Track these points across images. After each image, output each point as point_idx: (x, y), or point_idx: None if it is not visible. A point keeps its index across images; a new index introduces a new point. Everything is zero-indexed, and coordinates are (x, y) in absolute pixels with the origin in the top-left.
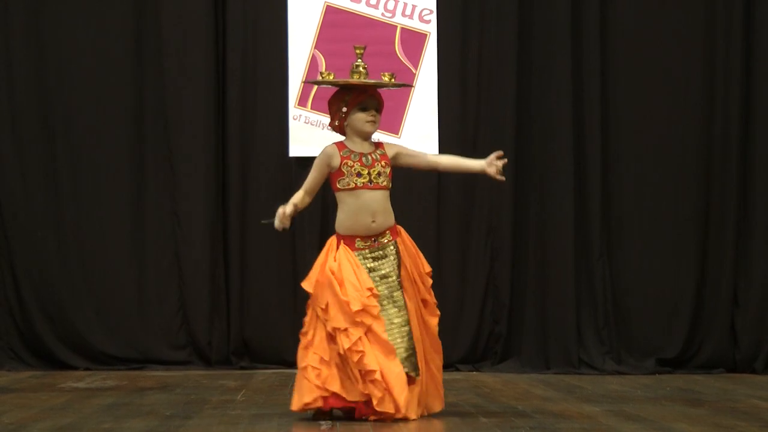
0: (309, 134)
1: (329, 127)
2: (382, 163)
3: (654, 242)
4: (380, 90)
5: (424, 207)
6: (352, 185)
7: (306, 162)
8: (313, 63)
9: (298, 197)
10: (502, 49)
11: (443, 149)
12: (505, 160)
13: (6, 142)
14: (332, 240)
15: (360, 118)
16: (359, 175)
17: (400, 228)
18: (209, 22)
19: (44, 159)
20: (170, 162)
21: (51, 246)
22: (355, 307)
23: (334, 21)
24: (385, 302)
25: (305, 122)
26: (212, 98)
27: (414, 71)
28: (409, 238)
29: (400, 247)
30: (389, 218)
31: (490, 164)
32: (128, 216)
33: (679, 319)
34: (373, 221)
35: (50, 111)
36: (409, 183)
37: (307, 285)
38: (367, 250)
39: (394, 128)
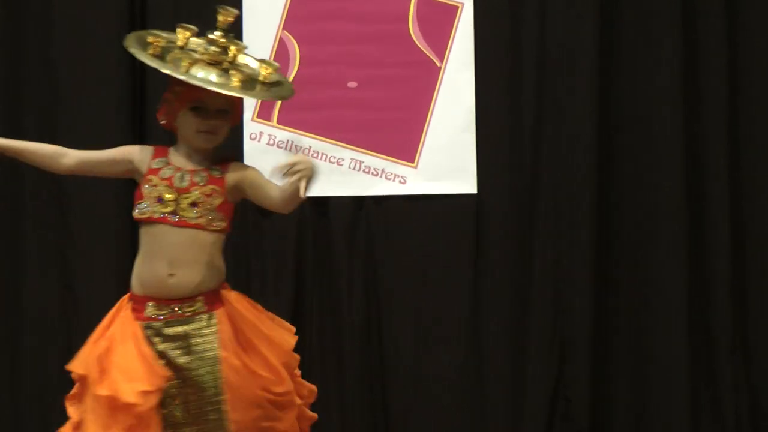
0: (275, 162)
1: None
2: (207, 189)
3: None
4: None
5: (453, 273)
6: (148, 215)
7: None
8: (281, 52)
9: (37, 146)
10: (575, 30)
11: (486, 187)
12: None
13: None
14: (123, 299)
15: (188, 124)
16: (160, 200)
17: (231, 294)
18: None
19: None
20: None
21: None
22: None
23: None
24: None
25: (269, 144)
26: (123, 110)
27: (438, 64)
28: (253, 306)
29: (223, 326)
30: (205, 276)
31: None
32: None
33: None
34: (171, 275)
35: None
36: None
37: (76, 366)
38: (161, 323)
39: (408, 153)
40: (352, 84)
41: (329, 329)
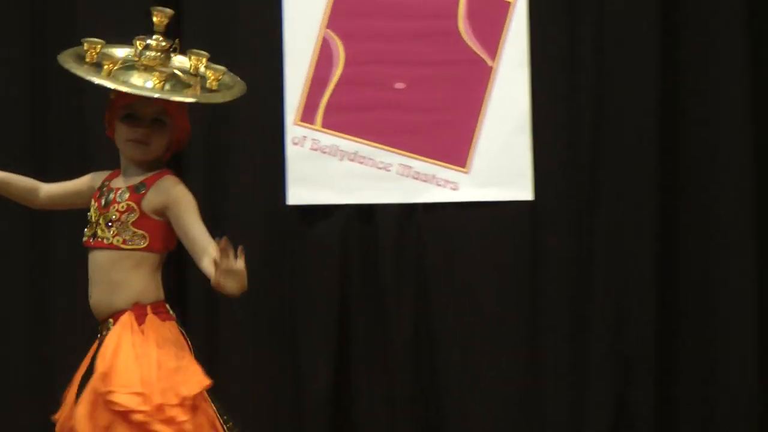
0: (320, 169)
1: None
2: (123, 206)
3: None
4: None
5: (508, 285)
6: (84, 239)
7: (315, 214)
8: (324, 52)
9: (20, 180)
10: (635, 27)
11: (543, 193)
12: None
13: None
14: None
15: (120, 133)
16: (89, 223)
17: (153, 320)
18: None
19: None
20: None
21: None
22: None
23: None
24: None
25: (313, 149)
26: None
27: (489, 62)
28: (169, 339)
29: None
30: (118, 297)
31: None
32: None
33: None
34: (90, 296)
35: None
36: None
37: None
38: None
39: (459, 157)
40: (399, 85)
41: (377, 344)
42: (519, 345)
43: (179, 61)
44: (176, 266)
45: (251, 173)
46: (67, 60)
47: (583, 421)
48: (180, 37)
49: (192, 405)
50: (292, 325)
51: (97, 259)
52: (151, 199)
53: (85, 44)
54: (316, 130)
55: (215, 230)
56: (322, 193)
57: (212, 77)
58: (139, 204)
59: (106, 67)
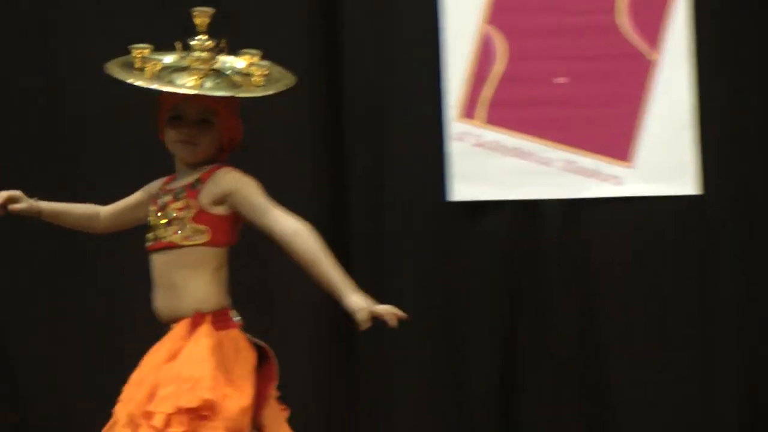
0: (482, 165)
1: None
2: (180, 203)
3: None
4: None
5: (676, 282)
6: (147, 245)
7: (479, 210)
8: (485, 48)
9: (79, 209)
10: None
11: (711, 188)
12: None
13: None
14: None
15: (169, 136)
16: (150, 228)
17: (205, 326)
18: None
19: None
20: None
21: None
22: None
23: None
24: None
25: (475, 145)
26: (314, 108)
27: (649, 57)
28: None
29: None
30: (180, 302)
31: (371, 314)
32: None
33: None
34: (155, 301)
35: None
36: None
37: None
38: None
39: (621, 151)
40: (560, 80)
41: (541, 342)
42: (686, 342)
43: (230, 61)
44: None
45: (414, 170)
46: (111, 67)
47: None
48: (340, 39)
49: (190, 418)
50: (456, 318)
51: (159, 262)
52: (209, 192)
53: (133, 50)
54: (478, 126)
55: (380, 226)
56: (485, 189)
57: (257, 73)
58: (196, 199)
59: (148, 69)
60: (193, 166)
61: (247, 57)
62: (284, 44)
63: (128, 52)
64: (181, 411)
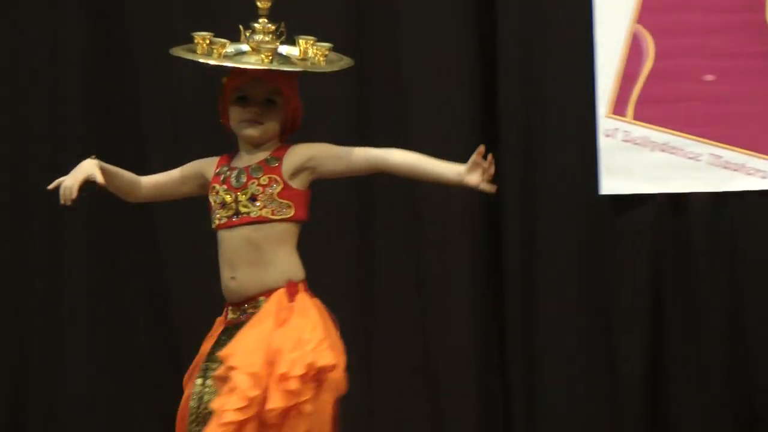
0: (631, 159)
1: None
2: (264, 179)
3: None
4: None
5: None
6: (216, 223)
7: (627, 203)
8: (634, 47)
9: (127, 175)
10: None
11: None
12: (490, 157)
13: None
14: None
15: (234, 116)
16: (223, 206)
17: (304, 298)
18: None
19: None
20: (412, 207)
21: None
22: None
23: None
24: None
25: (624, 140)
26: (470, 105)
27: None
28: (321, 308)
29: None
30: (269, 274)
31: (472, 168)
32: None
33: None
34: (233, 278)
35: None
36: None
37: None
38: (234, 326)
39: (759, 143)
40: (708, 77)
41: (688, 332)
42: None
43: (287, 49)
44: (495, 245)
45: (566, 164)
46: (178, 51)
47: None
48: (495, 36)
49: (317, 377)
50: (606, 308)
51: (238, 238)
52: (288, 166)
53: (196, 37)
54: (628, 122)
55: (532, 217)
56: (634, 183)
57: (319, 53)
58: (280, 174)
59: (216, 51)
60: (258, 146)
61: (302, 42)
62: (446, 44)
63: None
64: (310, 373)
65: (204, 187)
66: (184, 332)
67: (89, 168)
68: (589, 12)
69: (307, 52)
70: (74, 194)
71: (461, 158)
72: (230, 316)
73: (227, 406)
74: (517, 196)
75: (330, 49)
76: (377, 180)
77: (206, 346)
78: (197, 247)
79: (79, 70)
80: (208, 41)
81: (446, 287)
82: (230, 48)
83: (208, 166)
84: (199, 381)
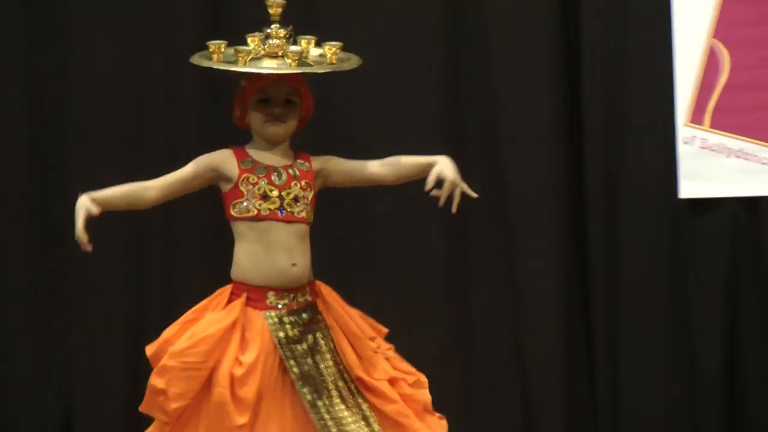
0: (708, 165)
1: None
2: (302, 183)
3: None
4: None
5: None
6: (254, 212)
7: (704, 206)
8: (711, 60)
9: (123, 190)
10: None
11: None
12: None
13: None
14: (224, 294)
15: (257, 116)
16: (265, 197)
17: (323, 286)
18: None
19: None
20: (503, 206)
21: None
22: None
23: None
24: (324, 399)
25: (702, 147)
26: (556, 115)
27: None
28: (337, 297)
29: (328, 320)
30: (309, 267)
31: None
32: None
33: None
34: (293, 265)
35: None
36: None
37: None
38: (285, 311)
39: None
40: None
41: (765, 330)
42: None
43: (295, 47)
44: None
45: (646, 169)
46: (200, 60)
47: None
48: (579, 50)
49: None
50: (684, 309)
51: (288, 230)
52: (315, 173)
53: (211, 46)
54: (705, 130)
55: (616, 219)
56: (711, 187)
57: (331, 52)
58: (313, 180)
59: (241, 58)
60: (279, 144)
61: (304, 42)
62: (531, 55)
63: None
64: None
65: (213, 180)
66: None
67: (80, 208)
68: (669, 28)
69: (324, 49)
70: (85, 239)
71: (547, 170)
72: (273, 300)
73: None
74: (600, 199)
75: (340, 48)
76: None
77: (221, 320)
78: None
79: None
80: (222, 50)
81: (535, 292)
82: (250, 54)
83: (223, 158)
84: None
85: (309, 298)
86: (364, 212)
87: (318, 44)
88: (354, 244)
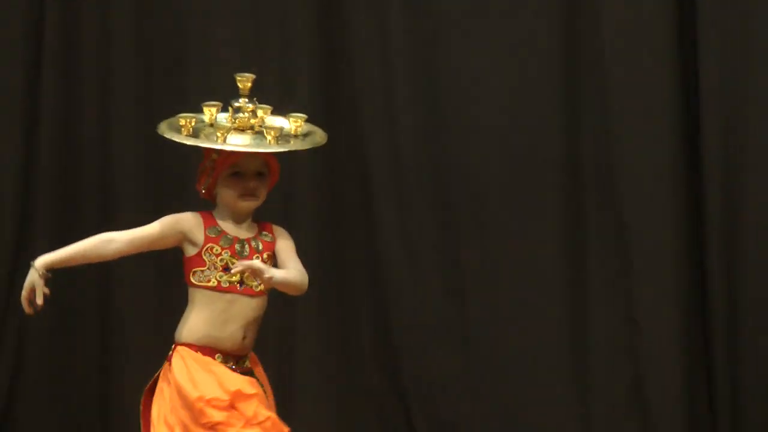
0: None
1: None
2: (264, 255)
3: None
4: None
5: None
6: (215, 283)
7: None
8: None
9: (84, 248)
10: None
11: None
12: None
13: None
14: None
15: (229, 190)
16: (227, 269)
17: (255, 356)
18: (668, 15)
19: None
20: (621, 237)
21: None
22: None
23: None
24: None
25: None
26: (675, 131)
27: None
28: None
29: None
30: (254, 338)
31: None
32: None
33: None
34: (244, 337)
35: None
36: None
37: None
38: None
39: None
40: None
41: None
42: None
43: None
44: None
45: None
46: (171, 133)
47: None
48: (697, 78)
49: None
50: None
51: (246, 304)
52: (275, 250)
53: (182, 119)
54: None
55: (731, 243)
56: None
57: (296, 125)
58: (274, 252)
59: (219, 134)
60: (248, 216)
61: (262, 113)
62: (646, 68)
63: None
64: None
65: (179, 242)
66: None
67: (28, 285)
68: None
69: (290, 124)
70: (29, 310)
71: (665, 200)
72: (220, 360)
73: None
74: (720, 230)
75: (305, 120)
76: (590, 218)
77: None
78: None
79: None
80: (193, 124)
81: (655, 313)
82: (221, 121)
83: (191, 224)
84: None
85: (248, 365)
86: (482, 241)
87: (278, 114)
88: (470, 275)
